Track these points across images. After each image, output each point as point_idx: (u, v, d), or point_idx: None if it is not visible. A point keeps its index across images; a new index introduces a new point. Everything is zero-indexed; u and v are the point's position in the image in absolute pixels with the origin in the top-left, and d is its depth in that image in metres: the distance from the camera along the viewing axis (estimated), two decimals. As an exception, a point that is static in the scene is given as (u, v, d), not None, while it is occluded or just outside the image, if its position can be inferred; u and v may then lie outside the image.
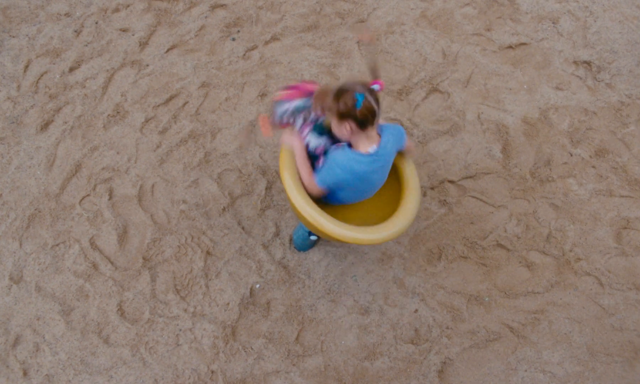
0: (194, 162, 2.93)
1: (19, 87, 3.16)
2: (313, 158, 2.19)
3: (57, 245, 2.70)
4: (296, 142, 2.14)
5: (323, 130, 2.16)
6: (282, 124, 2.18)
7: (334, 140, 2.20)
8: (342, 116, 1.93)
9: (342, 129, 1.97)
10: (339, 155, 2.05)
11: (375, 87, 1.96)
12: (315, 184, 2.11)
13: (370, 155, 2.03)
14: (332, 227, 2.07)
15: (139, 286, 2.60)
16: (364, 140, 2.02)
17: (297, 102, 2.14)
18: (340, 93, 1.91)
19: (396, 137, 2.12)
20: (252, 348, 2.48)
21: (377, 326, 2.54)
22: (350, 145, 2.07)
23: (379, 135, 2.07)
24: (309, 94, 2.17)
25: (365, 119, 1.92)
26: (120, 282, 2.61)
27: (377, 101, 1.94)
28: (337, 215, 2.27)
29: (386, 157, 2.10)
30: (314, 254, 2.69)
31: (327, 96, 1.96)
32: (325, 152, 2.18)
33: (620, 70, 3.22)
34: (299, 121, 2.16)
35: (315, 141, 2.14)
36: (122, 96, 3.14)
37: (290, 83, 2.19)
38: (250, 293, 2.60)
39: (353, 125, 1.93)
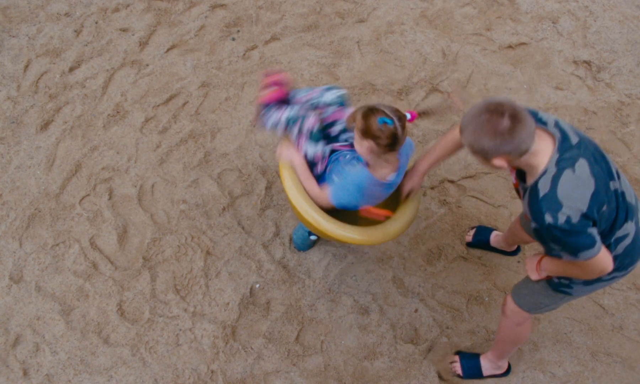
0: (194, 162, 2.93)
1: (19, 87, 3.16)
2: (311, 165, 2.18)
3: (57, 245, 2.70)
4: (295, 157, 2.12)
5: (319, 137, 2.14)
6: (277, 132, 2.19)
7: (329, 141, 2.20)
8: (365, 134, 1.87)
9: (362, 147, 1.92)
10: (356, 175, 2.01)
11: (407, 115, 1.91)
12: (327, 198, 2.08)
13: (388, 184, 2.03)
14: (331, 227, 2.07)
15: (139, 286, 2.60)
16: (382, 164, 1.97)
17: (287, 113, 2.12)
18: (368, 112, 1.86)
19: (408, 155, 2.12)
20: (252, 348, 2.48)
21: (377, 326, 2.54)
22: (367, 164, 2.03)
23: (398, 159, 2.03)
24: (286, 94, 2.18)
25: (386, 144, 1.86)
26: (120, 282, 2.61)
27: (403, 128, 1.87)
28: (337, 215, 2.27)
29: (401, 179, 2.11)
30: (314, 254, 2.69)
31: (357, 113, 1.91)
32: (323, 158, 2.17)
33: (620, 70, 3.22)
34: (294, 132, 2.13)
35: (313, 149, 2.13)
36: (122, 95, 3.14)
37: (267, 74, 2.19)
38: (250, 293, 2.60)
39: (373, 146, 1.88)
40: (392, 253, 2.70)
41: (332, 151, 2.24)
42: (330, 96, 2.17)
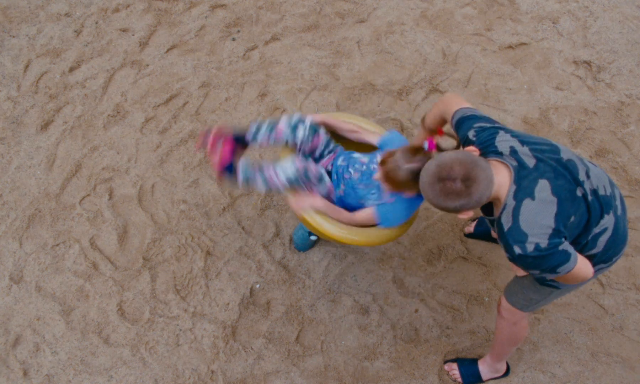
0: (194, 162, 2.93)
1: (19, 87, 3.17)
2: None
3: (57, 245, 2.70)
4: (316, 201, 2.11)
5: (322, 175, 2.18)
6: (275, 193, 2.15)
7: (316, 162, 2.23)
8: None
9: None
10: (411, 200, 2.05)
11: (425, 145, 1.91)
12: (372, 220, 2.10)
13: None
14: (331, 228, 2.07)
15: (139, 286, 2.60)
16: None
17: (282, 176, 2.10)
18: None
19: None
20: (252, 348, 2.48)
21: (377, 326, 2.54)
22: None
23: None
24: (233, 139, 2.18)
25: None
26: (120, 282, 2.61)
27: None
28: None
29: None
30: (314, 254, 2.69)
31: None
32: (321, 179, 2.19)
33: (620, 70, 3.22)
34: (303, 187, 2.13)
35: (323, 188, 2.18)
36: (122, 95, 3.14)
37: (204, 137, 2.18)
38: (250, 293, 2.60)
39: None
40: (392, 253, 2.70)
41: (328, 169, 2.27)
42: (302, 132, 2.18)
